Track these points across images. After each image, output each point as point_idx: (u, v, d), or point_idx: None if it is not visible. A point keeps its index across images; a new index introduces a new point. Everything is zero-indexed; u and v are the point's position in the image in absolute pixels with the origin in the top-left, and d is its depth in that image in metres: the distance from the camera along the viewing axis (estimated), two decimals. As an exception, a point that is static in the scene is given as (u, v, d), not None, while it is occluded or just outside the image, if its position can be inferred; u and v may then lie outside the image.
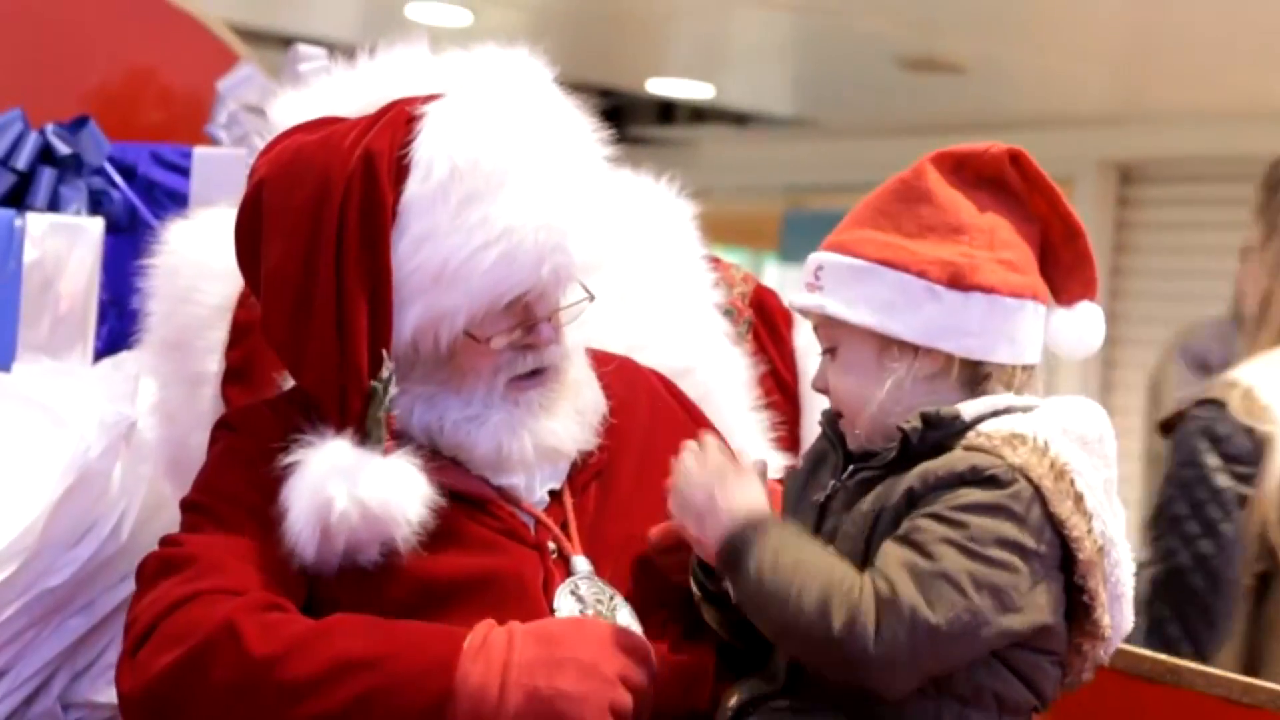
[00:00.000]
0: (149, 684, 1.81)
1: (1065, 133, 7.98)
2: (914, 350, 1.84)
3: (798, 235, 10.15)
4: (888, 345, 1.84)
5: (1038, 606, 1.77)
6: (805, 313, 1.91)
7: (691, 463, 1.87)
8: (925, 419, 1.81)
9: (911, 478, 1.78)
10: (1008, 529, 1.74)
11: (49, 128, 2.84)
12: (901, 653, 1.70)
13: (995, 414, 1.83)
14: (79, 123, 2.90)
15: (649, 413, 2.13)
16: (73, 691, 2.31)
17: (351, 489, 1.82)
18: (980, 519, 1.74)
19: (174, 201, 2.89)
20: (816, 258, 1.89)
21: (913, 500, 1.77)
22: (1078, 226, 1.91)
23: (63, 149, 2.82)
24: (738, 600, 1.81)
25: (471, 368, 1.95)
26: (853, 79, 7.78)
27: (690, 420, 2.18)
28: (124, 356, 2.58)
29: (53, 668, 2.28)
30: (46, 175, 2.78)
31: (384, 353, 1.87)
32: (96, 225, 2.72)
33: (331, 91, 2.05)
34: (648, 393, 2.17)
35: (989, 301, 1.83)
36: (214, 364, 2.21)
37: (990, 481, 1.76)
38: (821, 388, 1.91)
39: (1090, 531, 1.79)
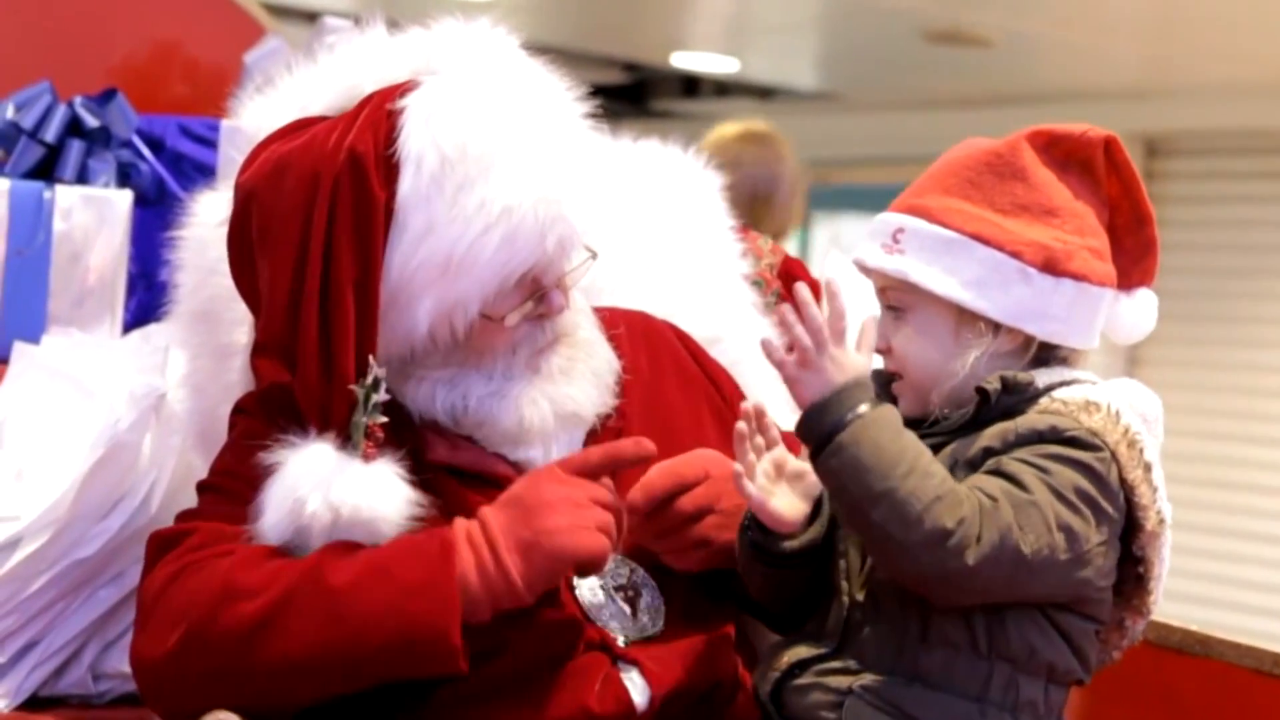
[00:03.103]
0: (163, 660, 1.84)
1: (1092, 106, 7.94)
2: (995, 327, 1.83)
3: (822, 209, 10.14)
4: (967, 319, 1.83)
5: (1099, 567, 1.79)
6: (881, 274, 1.87)
7: (803, 312, 1.77)
8: (1004, 382, 1.81)
9: (989, 437, 1.79)
10: (1086, 484, 1.76)
11: (77, 100, 2.84)
12: (986, 567, 1.71)
13: (1064, 384, 1.84)
14: (107, 95, 2.90)
15: (660, 370, 2.14)
16: (103, 662, 2.31)
17: (326, 493, 1.82)
18: (1063, 468, 1.76)
19: (202, 174, 2.89)
20: (896, 219, 1.86)
21: (990, 455, 1.79)
22: (1148, 213, 1.90)
23: (91, 122, 2.82)
24: (825, 459, 1.74)
25: (489, 346, 1.96)
26: (878, 53, 7.76)
27: (704, 375, 2.19)
28: (153, 328, 2.58)
29: (83, 638, 2.29)
30: (75, 148, 2.79)
31: (370, 358, 1.86)
32: (125, 198, 2.73)
33: (299, 91, 2.06)
34: (662, 348, 2.17)
35: (1078, 289, 1.83)
36: (243, 335, 2.21)
37: (1071, 442, 1.77)
38: (883, 348, 1.88)
39: (1155, 503, 1.81)
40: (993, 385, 1.81)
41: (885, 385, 1.91)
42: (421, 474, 1.94)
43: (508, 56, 1.98)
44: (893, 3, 6.53)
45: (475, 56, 1.96)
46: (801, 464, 1.86)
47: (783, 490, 1.87)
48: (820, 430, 1.74)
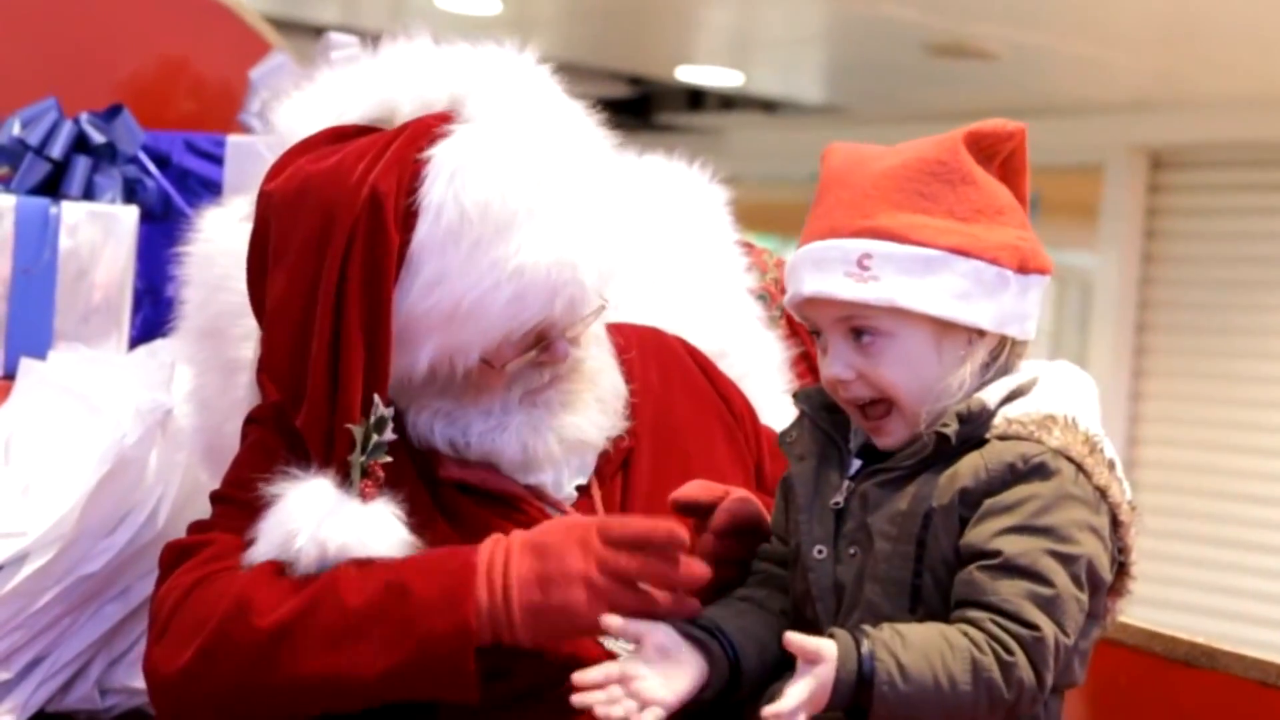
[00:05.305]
0: (178, 676, 1.84)
1: (1096, 118, 7.95)
2: (979, 335, 1.82)
3: (827, 223, 10.12)
4: (948, 333, 1.81)
5: (1108, 572, 1.80)
6: (855, 304, 1.80)
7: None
8: (959, 417, 1.79)
9: (963, 476, 1.77)
10: (1081, 514, 1.76)
11: (83, 116, 2.85)
12: (1049, 677, 1.74)
13: (1010, 397, 1.83)
14: (113, 111, 2.90)
15: (671, 386, 2.14)
16: (110, 677, 2.32)
17: (315, 530, 1.82)
18: (1057, 515, 1.75)
19: (208, 190, 2.91)
20: (856, 245, 1.79)
21: (967, 499, 1.77)
22: (1023, 201, 1.88)
23: (97, 138, 2.83)
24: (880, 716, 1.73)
25: (487, 385, 1.96)
26: (882, 66, 7.75)
27: (714, 390, 2.19)
28: (159, 344, 2.59)
29: (90, 653, 2.30)
30: (81, 164, 2.79)
31: (375, 398, 1.86)
32: (131, 214, 2.74)
33: (336, 93, 2.04)
34: (672, 364, 2.17)
35: (1040, 283, 1.84)
36: (249, 351, 2.22)
37: (1040, 470, 1.76)
38: (849, 377, 1.82)
39: (1124, 496, 1.81)
40: (951, 426, 1.78)
41: (823, 404, 1.89)
42: (434, 491, 1.94)
43: (543, 100, 1.97)
44: (897, 16, 6.53)
45: (510, 100, 1.94)
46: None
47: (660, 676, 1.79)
48: (844, 703, 1.72)
